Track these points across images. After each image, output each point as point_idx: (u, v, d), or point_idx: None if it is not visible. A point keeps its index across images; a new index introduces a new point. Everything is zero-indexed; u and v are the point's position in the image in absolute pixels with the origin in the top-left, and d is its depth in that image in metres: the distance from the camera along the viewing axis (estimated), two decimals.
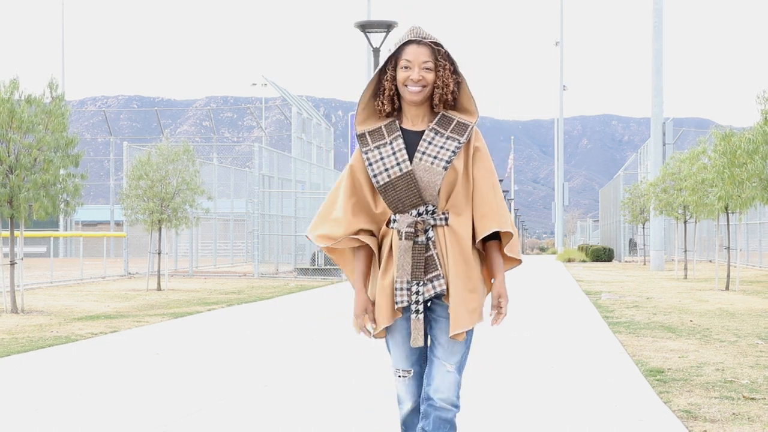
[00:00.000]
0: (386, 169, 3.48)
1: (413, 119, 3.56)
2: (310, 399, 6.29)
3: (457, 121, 3.55)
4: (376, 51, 18.02)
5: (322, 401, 6.20)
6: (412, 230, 3.47)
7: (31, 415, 5.80)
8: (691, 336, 9.99)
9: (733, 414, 5.72)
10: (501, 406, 6.03)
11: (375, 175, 3.50)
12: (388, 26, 17.93)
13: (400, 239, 3.47)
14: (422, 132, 3.54)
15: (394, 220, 3.51)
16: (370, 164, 3.51)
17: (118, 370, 7.65)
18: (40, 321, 11.87)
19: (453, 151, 3.49)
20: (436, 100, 3.53)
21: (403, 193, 3.46)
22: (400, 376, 3.62)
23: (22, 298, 13.37)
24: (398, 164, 3.47)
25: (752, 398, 6.24)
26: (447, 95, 3.52)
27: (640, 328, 10.77)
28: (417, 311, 3.49)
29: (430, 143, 3.50)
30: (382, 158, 3.50)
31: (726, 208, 17.83)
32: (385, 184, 3.48)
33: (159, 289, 18.41)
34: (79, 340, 9.81)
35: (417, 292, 3.48)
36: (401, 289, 3.48)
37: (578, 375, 7.32)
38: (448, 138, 3.51)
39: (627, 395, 6.42)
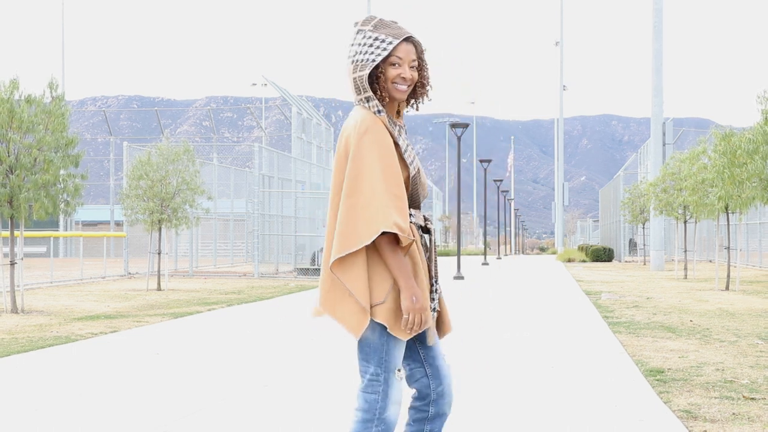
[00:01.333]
0: (412, 160, 3.41)
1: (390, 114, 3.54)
2: (310, 399, 6.29)
3: (399, 124, 3.55)
4: None
5: (322, 401, 6.20)
6: (432, 227, 3.49)
7: (32, 415, 5.80)
8: (691, 336, 9.99)
9: (733, 414, 5.72)
10: (501, 406, 6.03)
11: (410, 163, 3.38)
12: None
13: (426, 234, 3.45)
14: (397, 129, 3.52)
15: (411, 215, 3.39)
16: (405, 150, 3.38)
17: (118, 370, 7.65)
18: (40, 321, 11.87)
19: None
20: (422, 100, 3.50)
21: (419, 188, 3.42)
22: (401, 378, 3.38)
23: (22, 298, 13.37)
24: (415, 156, 3.43)
25: (752, 398, 6.24)
26: (427, 95, 3.52)
27: (640, 328, 10.77)
28: (434, 309, 3.44)
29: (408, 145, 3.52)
30: (406, 147, 3.41)
31: (726, 208, 17.84)
32: (414, 175, 3.39)
33: (159, 289, 18.41)
34: (79, 340, 9.81)
35: (436, 290, 3.45)
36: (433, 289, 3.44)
37: (578, 375, 7.32)
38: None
39: (627, 395, 6.42)
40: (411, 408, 3.50)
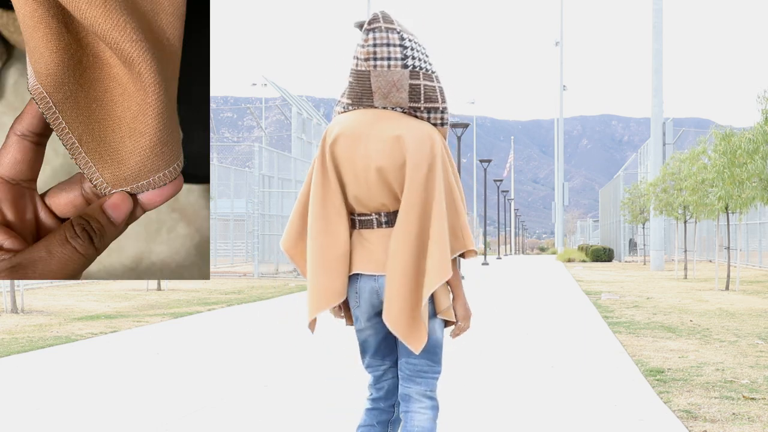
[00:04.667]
0: None
1: None
2: (310, 399, 6.29)
3: None
4: None
5: (322, 401, 6.20)
6: None
7: (33, 414, 5.80)
8: (691, 336, 10.00)
9: (733, 414, 5.73)
10: (501, 406, 6.03)
11: None
12: None
13: None
14: None
15: None
16: None
17: (118, 370, 7.65)
18: (40, 321, 11.87)
19: None
20: None
21: None
22: None
23: (22, 298, 13.37)
24: None
25: (752, 398, 6.24)
26: None
27: (640, 328, 10.77)
28: None
29: None
30: None
31: (726, 208, 17.84)
32: None
33: (159, 289, 18.42)
34: (79, 340, 9.81)
35: None
36: None
37: (578, 375, 7.32)
38: None
39: (627, 395, 6.42)
40: (373, 409, 3.47)
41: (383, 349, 3.42)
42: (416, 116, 3.29)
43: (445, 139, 3.37)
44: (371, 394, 3.49)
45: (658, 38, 31.63)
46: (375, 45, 3.24)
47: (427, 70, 3.28)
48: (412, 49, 3.26)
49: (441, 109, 3.29)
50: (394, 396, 3.46)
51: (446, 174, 3.27)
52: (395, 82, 3.23)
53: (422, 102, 3.26)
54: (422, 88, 3.26)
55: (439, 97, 3.29)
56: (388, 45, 3.24)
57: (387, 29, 3.25)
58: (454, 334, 3.37)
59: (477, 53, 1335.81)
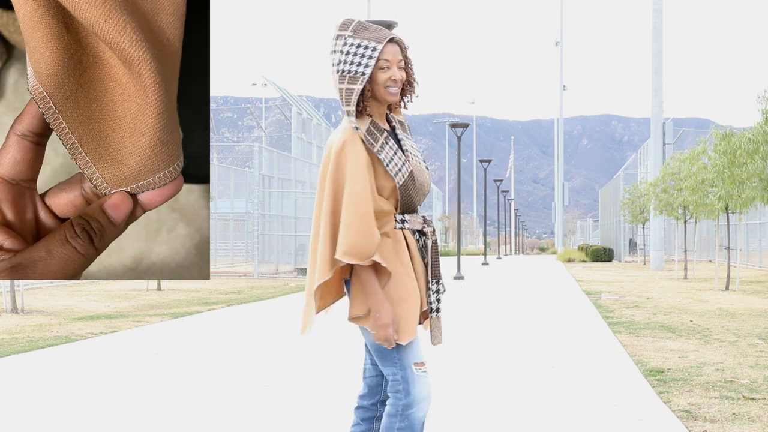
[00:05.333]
0: (399, 169, 3.39)
1: (379, 118, 3.48)
2: (310, 399, 6.30)
3: (399, 120, 3.58)
4: None
5: (322, 401, 6.21)
6: (432, 229, 3.51)
7: (33, 414, 5.80)
8: (691, 336, 10.00)
9: (733, 414, 5.73)
10: (501, 406, 6.03)
11: (395, 174, 3.36)
12: (388, 26, 17.92)
13: (424, 238, 3.47)
14: (391, 130, 3.50)
15: (404, 221, 3.42)
16: (388, 163, 3.36)
17: (118, 370, 7.65)
18: (40, 321, 11.87)
19: (421, 152, 3.60)
20: (410, 98, 3.51)
21: (412, 193, 3.42)
22: (424, 371, 3.40)
23: (22, 298, 13.37)
24: (404, 164, 3.41)
25: (752, 398, 6.25)
26: (414, 92, 3.52)
27: (640, 328, 10.77)
28: (438, 310, 3.51)
29: (407, 142, 3.51)
30: (392, 157, 3.39)
31: (726, 208, 17.84)
32: (403, 183, 3.39)
33: (159, 289, 18.42)
34: (79, 340, 9.81)
35: (438, 291, 3.50)
36: (431, 290, 3.49)
37: (578, 375, 7.32)
38: (409, 139, 3.56)
39: (627, 395, 6.43)
40: (359, 407, 3.55)
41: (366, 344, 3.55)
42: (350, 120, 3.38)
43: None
44: (360, 390, 3.58)
45: (658, 38, 31.64)
46: (331, 53, 3.42)
47: (355, 73, 3.34)
48: (341, 53, 3.35)
49: (350, 112, 3.35)
50: (377, 394, 3.52)
51: (339, 179, 3.31)
52: (336, 87, 3.39)
53: (344, 105, 3.37)
54: (344, 92, 3.35)
55: (353, 99, 3.33)
56: (333, 52, 3.39)
57: (337, 36, 3.37)
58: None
59: (477, 53, 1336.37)
